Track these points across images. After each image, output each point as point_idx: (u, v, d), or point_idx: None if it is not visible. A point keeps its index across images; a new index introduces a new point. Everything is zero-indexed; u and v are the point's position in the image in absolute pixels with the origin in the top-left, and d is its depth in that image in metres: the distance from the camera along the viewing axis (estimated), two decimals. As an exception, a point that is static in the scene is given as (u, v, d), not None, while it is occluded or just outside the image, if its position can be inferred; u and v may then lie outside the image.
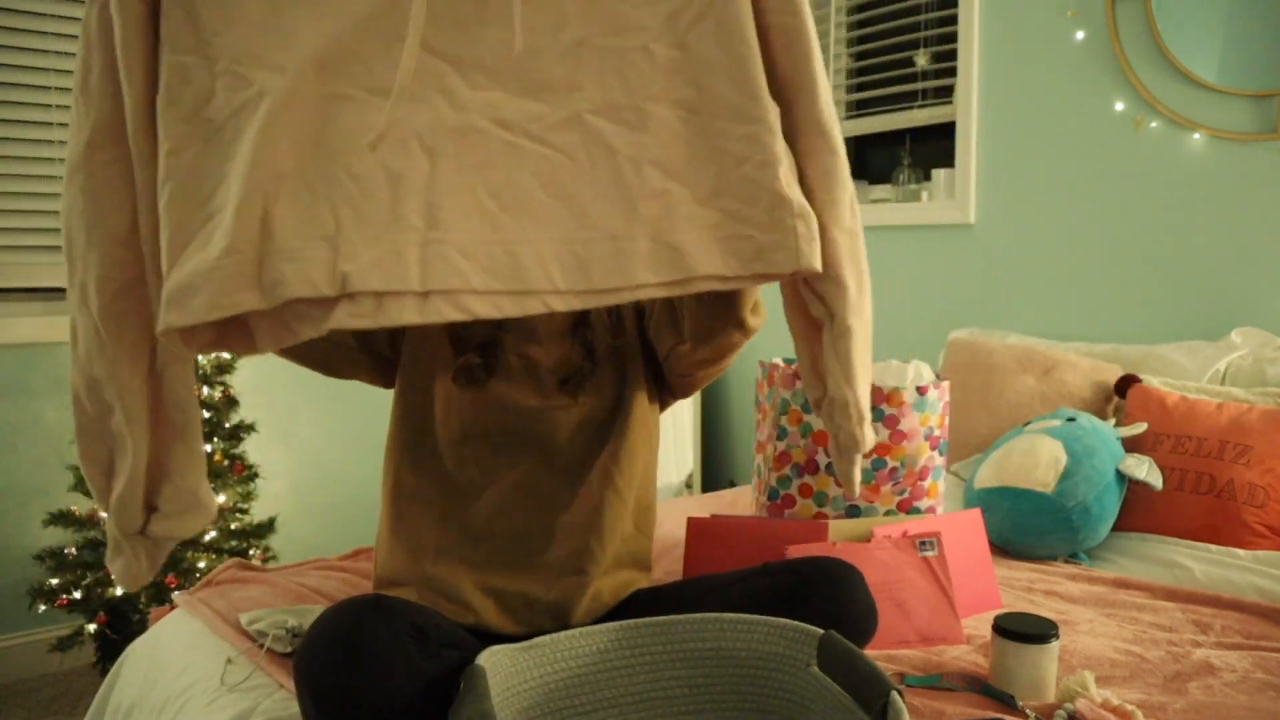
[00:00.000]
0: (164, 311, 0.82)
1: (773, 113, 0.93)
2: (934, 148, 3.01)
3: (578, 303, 0.89)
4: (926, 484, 1.70)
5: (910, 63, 2.94)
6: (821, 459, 1.66)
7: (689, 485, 3.45)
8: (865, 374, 1.04)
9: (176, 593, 1.69)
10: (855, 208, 1.05)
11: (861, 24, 3.15)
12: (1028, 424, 2.00)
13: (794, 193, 0.92)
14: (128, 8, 0.87)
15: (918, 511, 1.69)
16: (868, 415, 1.05)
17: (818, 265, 0.92)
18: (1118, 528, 1.86)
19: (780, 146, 0.93)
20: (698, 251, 0.90)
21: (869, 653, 1.29)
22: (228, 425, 2.43)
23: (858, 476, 1.09)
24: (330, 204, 0.86)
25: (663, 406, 1.42)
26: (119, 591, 2.27)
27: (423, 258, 0.86)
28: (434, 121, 0.90)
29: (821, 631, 0.97)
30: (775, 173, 0.91)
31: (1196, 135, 2.27)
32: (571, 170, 0.91)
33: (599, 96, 0.92)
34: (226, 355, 2.46)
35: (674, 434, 3.28)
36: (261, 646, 1.30)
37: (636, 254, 0.89)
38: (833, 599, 1.12)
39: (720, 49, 0.93)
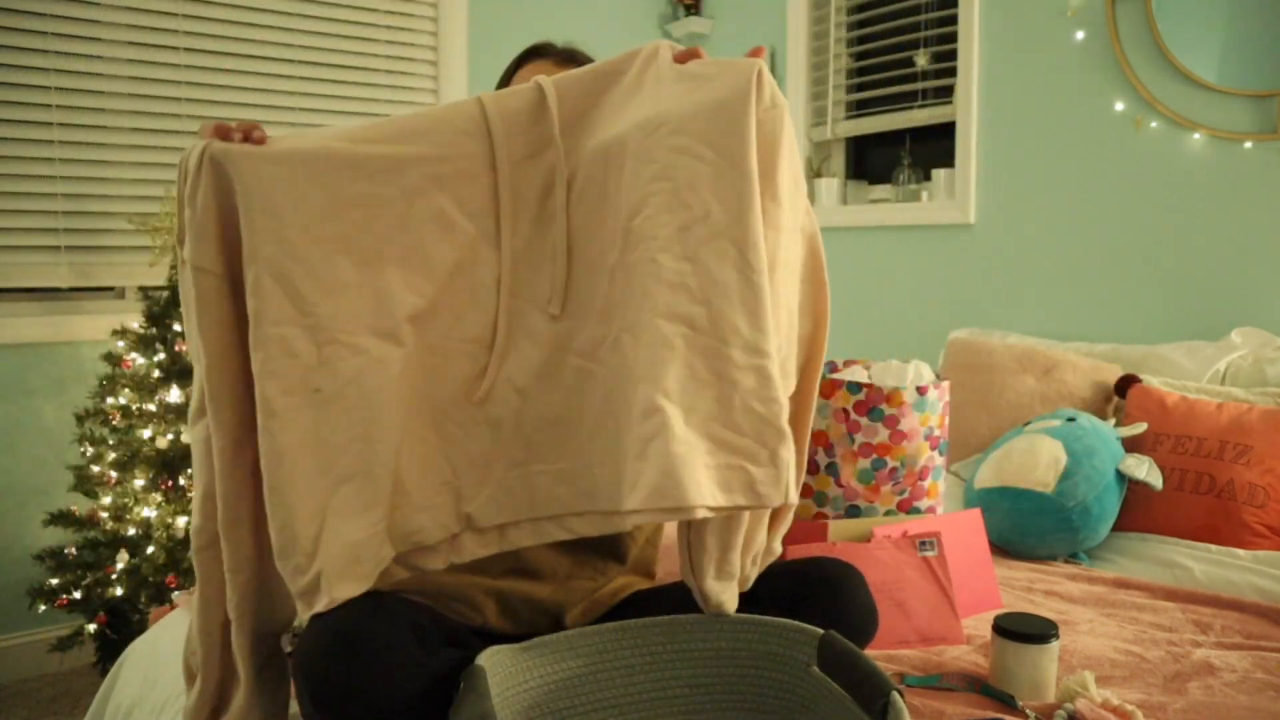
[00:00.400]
0: (332, 586, 0.86)
1: (775, 346, 0.92)
2: (934, 148, 3.01)
3: (642, 519, 0.89)
4: (926, 484, 1.70)
5: (910, 63, 2.94)
6: (821, 459, 1.66)
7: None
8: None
9: (176, 593, 1.69)
10: None
11: (861, 24, 3.15)
12: (1028, 424, 2.00)
13: (789, 429, 0.91)
14: (203, 281, 0.90)
15: (918, 511, 1.69)
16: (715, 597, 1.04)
17: (796, 496, 0.92)
18: (1118, 528, 1.86)
19: (782, 383, 0.92)
20: (688, 479, 0.86)
21: (869, 653, 1.29)
22: (228, 425, 2.43)
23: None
24: (444, 453, 0.94)
25: None
26: (119, 591, 2.27)
27: (529, 488, 0.96)
28: (521, 363, 0.97)
29: (821, 631, 0.97)
30: (780, 410, 0.91)
31: (1196, 135, 2.27)
32: (617, 388, 0.93)
33: (628, 315, 0.93)
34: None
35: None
36: (261, 646, 1.29)
37: (639, 477, 0.88)
38: (833, 601, 1.12)
39: (735, 273, 0.91)
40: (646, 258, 0.92)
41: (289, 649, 1.28)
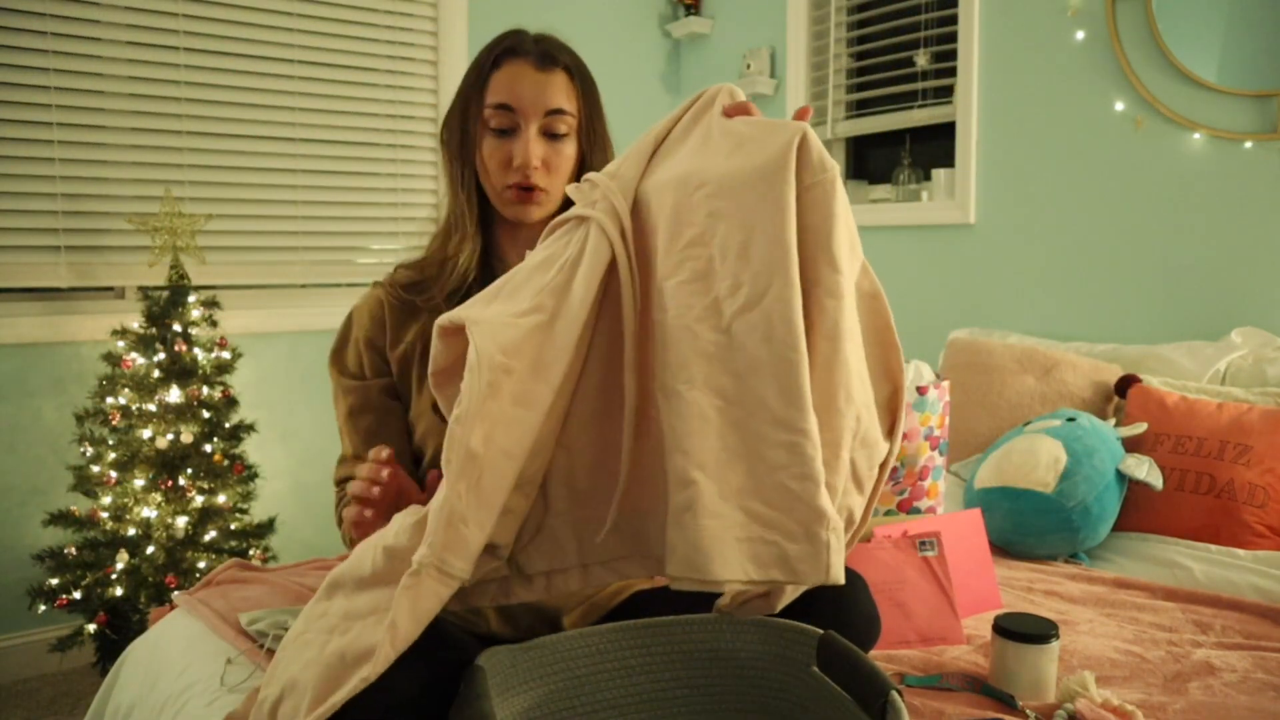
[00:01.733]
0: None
1: (814, 423, 0.87)
2: (934, 148, 3.01)
3: (679, 585, 0.88)
4: (926, 484, 1.70)
5: (910, 63, 2.94)
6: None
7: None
8: None
9: (176, 593, 1.69)
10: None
11: (861, 24, 3.15)
12: (1028, 424, 2.00)
13: (830, 507, 0.87)
14: None
15: (918, 511, 1.69)
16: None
17: (842, 577, 0.87)
18: (1118, 528, 1.86)
19: (821, 460, 0.87)
20: (715, 554, 0.85)
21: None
22: (228, 425, 2.43)
23: None
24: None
25: None
26: (119, 591, 2.27)
27: (576, 536, 0.97)
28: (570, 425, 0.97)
29: (821, 631, 0.97)
30: (816, 488, 0.86)
31: (1196, 135, 2.27)
32: (660, 445, 0.92)
33: (663, 377, 0.91)
34: (226, 355, 2.46)
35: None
36: (261, 646, 1.30)
37: (675, 545, 0.87)
38: (836, 607, 1.11)
39: (765, 346, 0.87)
40: (682, 325, 0.90)
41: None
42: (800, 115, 0.94)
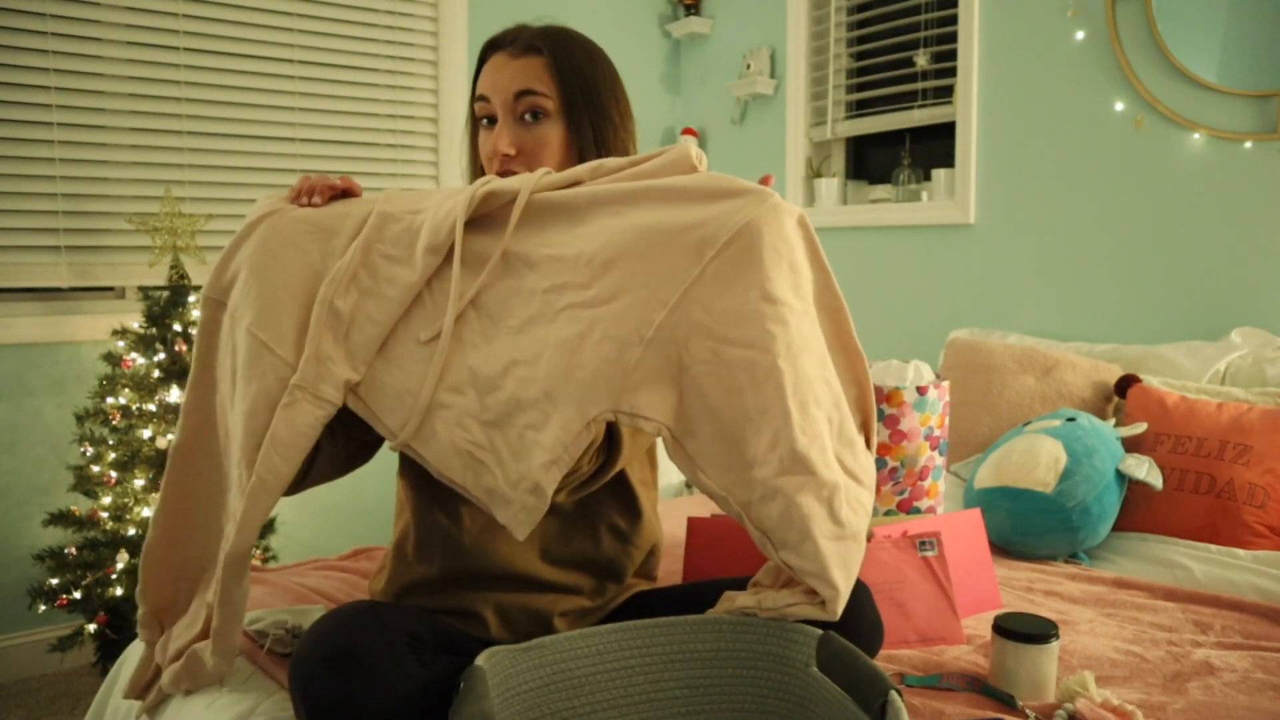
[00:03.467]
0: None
1: (580, 422, 0.98)
2: (934, 148, 3.01)
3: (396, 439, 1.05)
4: (926, 484, 1.70)
5: (910, 63, 2.94)
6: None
7: (689, 485, 3.45)
8: None
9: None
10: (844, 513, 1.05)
11: (861, 24, 3.15)
12: (1028, 424, 2.00)
13: (547, 480, 0.97)
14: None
15: (918, 511, 1.69)
16: None
17: (520, 534, 0.98)
18: (1118, 528, 1.86)
19: (562, 447, 0.98)
20: (438, 445, 0.98)
21: (869, 653, 1.29)
22: (228, 425, 2.43)
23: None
24: None
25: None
26: (119, 591, 2.27)
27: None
28: None
29: (820, 632, 0.97)
30: (543, 455, 0.97)
31: (1196, 135, 2.27)
32: (461, 344, 1.06)
33: (495, 304, 1.04)
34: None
35: (674, 434, 3.27)
36: (261, 647, 1.30)
37: (410, 415, 1.00)
38: (841, 616, 1.11)
39: (583, 346, 0.99)
40: (527, 289, 1.03)
41: (289, 650, 1.29)
42: (764, 181, 1.05)
